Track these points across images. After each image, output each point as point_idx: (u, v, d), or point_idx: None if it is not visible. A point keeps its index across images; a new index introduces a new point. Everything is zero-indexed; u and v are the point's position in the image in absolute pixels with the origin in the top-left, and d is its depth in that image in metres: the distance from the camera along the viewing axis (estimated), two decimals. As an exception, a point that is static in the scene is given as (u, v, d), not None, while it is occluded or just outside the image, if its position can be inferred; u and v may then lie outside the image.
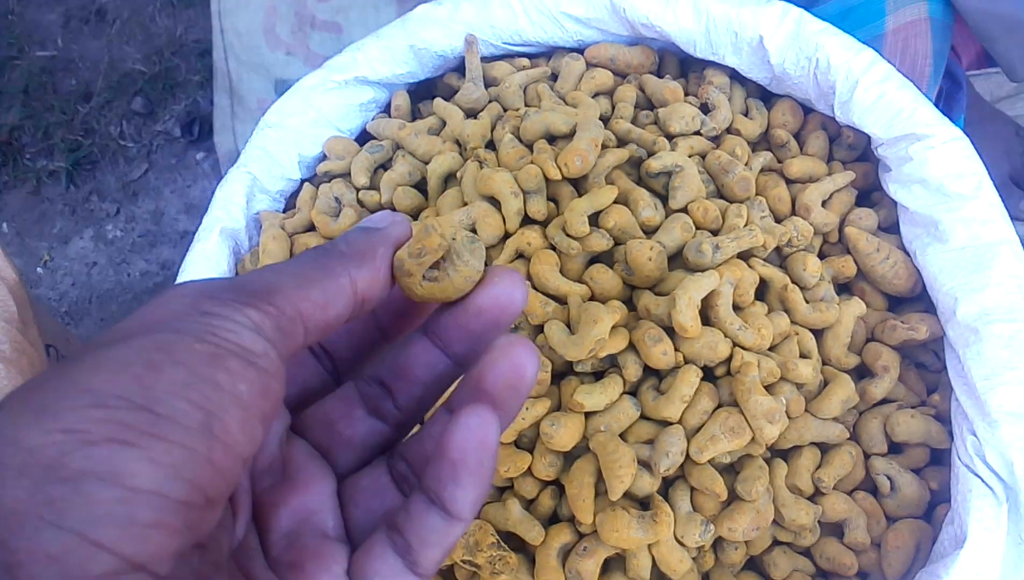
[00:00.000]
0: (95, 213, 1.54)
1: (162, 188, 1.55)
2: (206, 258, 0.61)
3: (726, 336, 0.52)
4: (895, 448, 0.57)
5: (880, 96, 0.58)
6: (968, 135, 1.22)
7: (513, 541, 0.53)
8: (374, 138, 0.67)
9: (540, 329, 0.54)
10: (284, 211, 0.68)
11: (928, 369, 0.60)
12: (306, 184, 0.66)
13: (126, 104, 1.59)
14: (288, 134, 0.66)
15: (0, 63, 1.65)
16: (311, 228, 0.64)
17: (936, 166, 0.56)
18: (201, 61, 1.61)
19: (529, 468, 0.52)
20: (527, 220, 0.58)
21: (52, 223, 1.54)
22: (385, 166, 0.65)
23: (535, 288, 0.54)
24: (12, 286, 0.79)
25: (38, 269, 1.49)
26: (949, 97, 1.10)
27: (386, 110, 0.70)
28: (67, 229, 1.54)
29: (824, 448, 0.56)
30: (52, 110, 1.60)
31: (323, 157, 0.67)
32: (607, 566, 0.52)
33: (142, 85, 1.60)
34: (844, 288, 0.62)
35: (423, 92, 0.72)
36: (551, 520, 0.53)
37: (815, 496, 0.55)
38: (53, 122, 1.59)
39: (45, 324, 0.86)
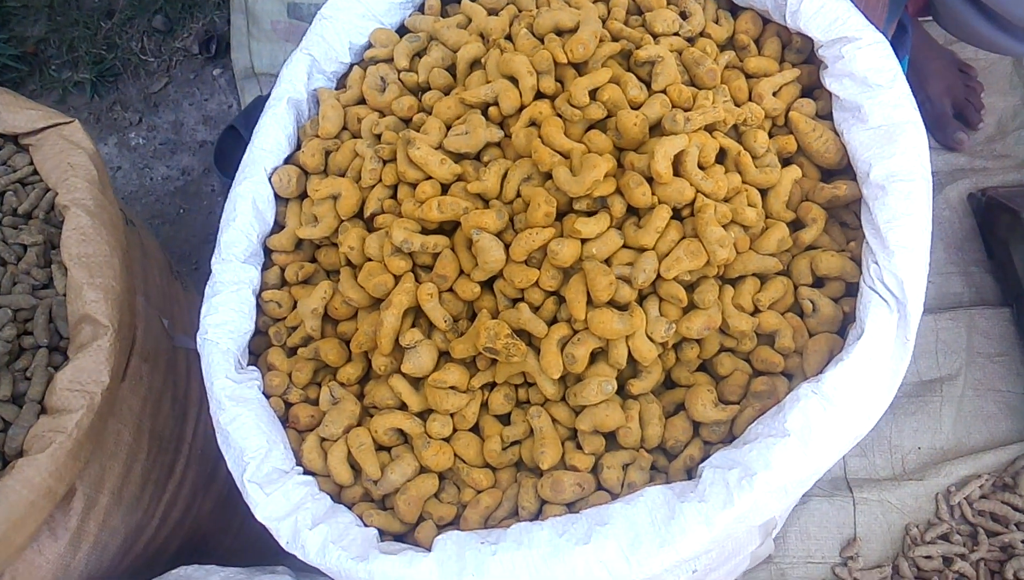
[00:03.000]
0: (118, 122, 1.66)
1: (181, 100, 1.67)
2: (276, 121, 0.76)
3: (691, 184, 0.68)
4: (819, 282, 0.73)
5: (821, 6, 0.74)
6: (917, 70, 1.38)
7: (523, 337, 0.69)
8: (411, 31, 0.82)
9: (549, 177, 0.70)
10: (336, 89, 0.83)
11: (849, 227, 0.76)
12: (355, 67, 0.81)
13: (147, 21, 1.70)
14: (340, 25, 0.80)
15: (26, -22, 1.75)
16: (361, 101, 0.79)
17: (862, 62, 0.72)
18: (218, -17, 1.72)
19: (536, 281, 0.68)
20: (539, 95, 0.73)
21: (78, 130, 1.65)
22: (420, 54, 0.80)
23: (545, 144, 0.70)
24: (91, 155, 0.93)
25: (66, 172, 1.61)
26: (896, 41, 1.25)
27: (420, 9, 0.84)
28: (92, 136, 1.65)
29: (763, 278, 0.72)
30: (76, 25, 1.70)
31: (369, 45, 0.82)
32: (594, 358, 0.68)
33: (162, 4, 1.70)
34: (788, 161, 0.78)
35: (449, -4, 0.87)
36: (552, 322, 0.69)
37: (754, 313, 0.71)
38: (77, 36, 1.70)
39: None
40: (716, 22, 0.80)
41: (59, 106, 1.67)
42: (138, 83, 1.68)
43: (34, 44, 1.70)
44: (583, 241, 0.68)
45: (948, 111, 1.36)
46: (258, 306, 0.76)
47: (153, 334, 0.93)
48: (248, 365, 0.74)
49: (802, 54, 0.80)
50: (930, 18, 1.11)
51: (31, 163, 0.94)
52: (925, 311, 1.42)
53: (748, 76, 0.77)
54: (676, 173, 0.69)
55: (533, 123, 0.72)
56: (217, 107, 1.65)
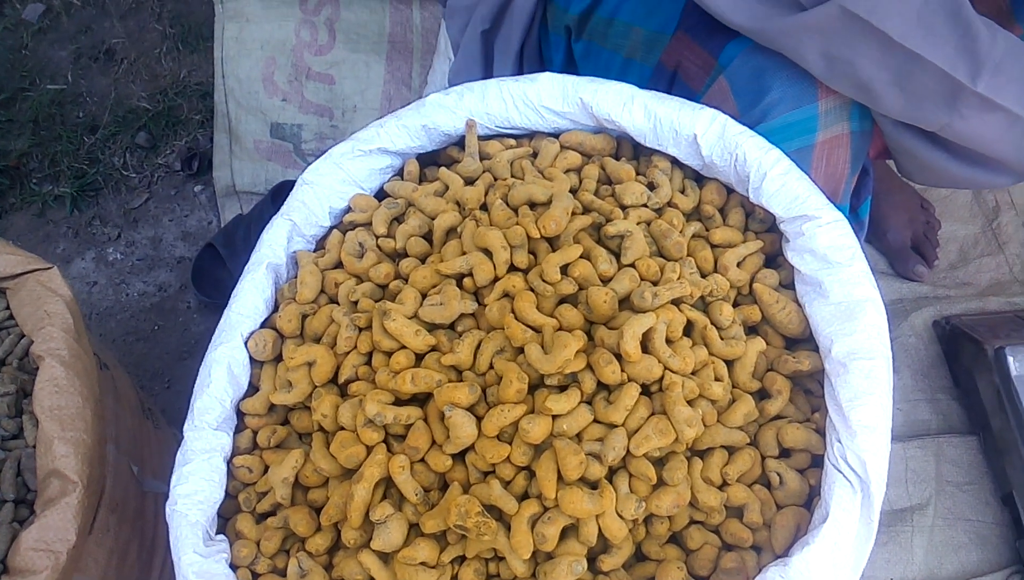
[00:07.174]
0: (97, 237, 1.67)
1: (161, 216, 1.68)
2: (255, 286, 0.77)
3: (659, 361, 0.70)
4: (785, 453, 0.75)
5: (783, 185, 0.77)
6: (878, 204, 1.42)
7: (494, 512, 0.69)
8: (390, 196, 0.84)
9: (521, 350, 0.71)
10: (315, 251, 0.85)
11: (813, 395, 0.78)
12: (335, 230, 0.83)
13: (130, 138, 1.73)
14: (321, 190, 0.82)
15: (12, 94, 1.78)
16: (339, 265, 0.81)
17: (822, 240, 0.75)
18: (202, 102, 1.76)
19: (508, 457, 0.69)
20: (512, 268, 0.75)
21: (56, 244, 1.66)
22: (399, 220, 0.82)
23: (517, 319, 0.71)
24: (68, 302, 0.94)
25: (42, 286, 1.61)
26: (859, 183, 1.30)
27: (400, 174, 0.87)
28: (70, 250, 1.66)
29: (731, 450, 0.73)
30: (60, 139, 1.73)
31: (348, 210, 0.84)
32: (564, 534, 0.69)
33: (146, 121, 1.74)
34: (752, 330, 0.80)
35: (428, 160, 0.89)
36: (523, 497, 0.70)
37: (723, 487, 0.72)
38: (60, 151, 1.72)
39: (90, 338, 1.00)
40: (683, 192, 0.83)
41: (38, 220, 1.68)
42: (118, 198, 1.70)
43: (17, 157, 1.72)
44: (554, 417, 0.69)
45: (908, 244, 1.40)
46: (229, 470, 0.75)
47: (122, 482, 0.92)
48: (216, 532, 0.73)
49: (765, 223, 0.83)
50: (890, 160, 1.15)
51: (7, 307, 0.95)
52: (894, 439, 1.44)
53: (714, 246, 0.80)
54: (644, 350, 0.71)
55: (507, 294, 0.74)
56: (197, 224, 1.67)
